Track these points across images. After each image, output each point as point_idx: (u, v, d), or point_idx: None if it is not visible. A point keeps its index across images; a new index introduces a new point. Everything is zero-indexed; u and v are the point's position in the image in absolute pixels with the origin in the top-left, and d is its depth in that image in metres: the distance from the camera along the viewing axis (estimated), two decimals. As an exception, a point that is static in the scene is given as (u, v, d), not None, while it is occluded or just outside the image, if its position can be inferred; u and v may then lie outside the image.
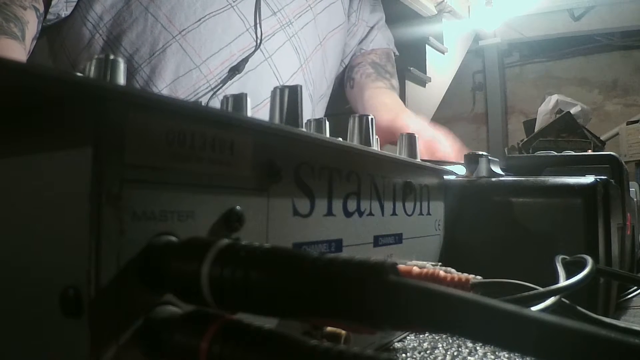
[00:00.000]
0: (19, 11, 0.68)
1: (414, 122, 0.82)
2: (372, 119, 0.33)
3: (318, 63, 0.90)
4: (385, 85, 0.97)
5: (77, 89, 0.15)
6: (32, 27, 0.70)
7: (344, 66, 1.02)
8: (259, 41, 0.78)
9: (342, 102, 1.07)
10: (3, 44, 0.64)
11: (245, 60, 0.76)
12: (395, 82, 1.01)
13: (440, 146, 0.77)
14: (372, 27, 1.03)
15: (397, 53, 1.08)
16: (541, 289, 0.27)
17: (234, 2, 0.78)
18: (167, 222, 0.17)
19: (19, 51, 0.66)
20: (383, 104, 0.90)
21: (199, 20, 0.75)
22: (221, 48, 0.75)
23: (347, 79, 1.01)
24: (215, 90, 0.75)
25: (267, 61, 0.79)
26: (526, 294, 0.26)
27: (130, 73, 0.73)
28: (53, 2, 0.74)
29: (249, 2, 0.79)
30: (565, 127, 1.92)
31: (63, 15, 0.76)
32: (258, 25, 0.78)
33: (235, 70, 0.75)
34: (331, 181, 0.26)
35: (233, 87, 0.76)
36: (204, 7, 0.75)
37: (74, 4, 0.76)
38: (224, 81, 0.75)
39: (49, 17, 0.75)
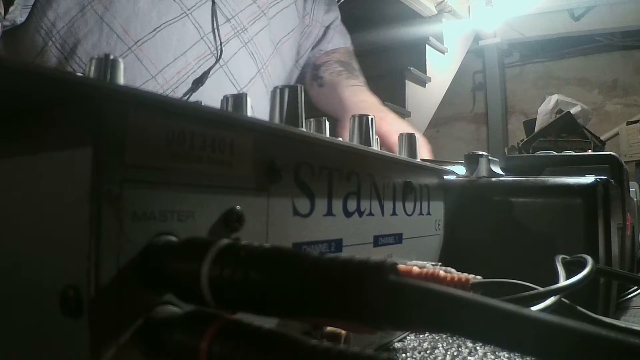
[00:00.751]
0: None
1: (399, 124, 0.83)
2: (372, 119, 0.33)
3: (278, 67, 0.91)
4: (359, 83, 0.97)
5: (77, 89, 0.15)
6: None
7: (300, 68, 1.02)
8: (219, 50, 0.78)
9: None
10: None
11: (207, 73, 0.76)
12: (362, 78, 1.02)
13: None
14: (327, 27, 1.04)
15: (351, 49, 1.08)
16: (541, 289, 0.27)
17: (188, 10, 0.77)
18: (167, 222, 0.17)
19: None
20: (363, 101, 0.90)
21: (154, 30, 0.74)
22: (176, 57, 0.75)
23: (314, 78, 1.00)
24: None
25: (223, 68, 0.79)
26: (526, 293, 0.26)
27: None
28: (10, 9, 0.72)
29: (203, 10, 0.79)
30: (565, 127, 1.92)
31: (18, 22, 0.75)
32: (216, 33, 0.78)
33: (198, 82, 0.75)
34: (331, 181, 0.26)
35: (191, 97, 0.76)
36: (159, 16, 0.75)
37: (29, 9, 0.75)
38: (186, 93, 0.75)
39: (5, 23, 0.73)
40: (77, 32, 0.73)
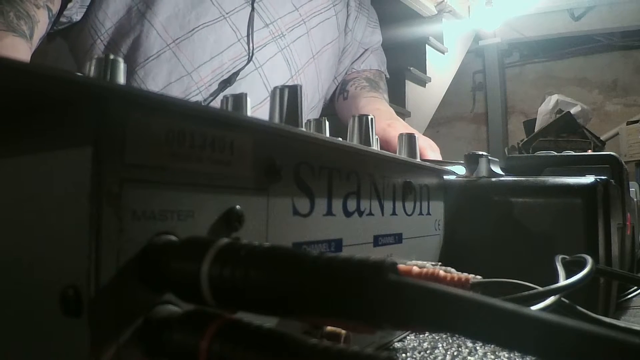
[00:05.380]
0: (32, 9, 0.70)
1: (405, 131, 0.84)
2: (372, 118, 0.33)
3: (311, 76, 0.92)
4: (379, 96, 1.00)
5: (78, 88, 0.15)
6: (41, 27, 0.71)
7: (337, 84, 1.05)
8: (251, 54, 0.80)
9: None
10: (10, 41, 0.65)
11: (236, 74, 0.78)
12: (386, 96, 1.04)
13: (427, 155, 0.79)
14: (366, 50, 1.06)
15: (387, 76, 1.10)
16: (541, 289, 0.27)
17: (227, 13, 0.80)
18: (166, 222, 0.17)
19: (24, 50, 0.67)
20: (377, 110, 0.92)
21: (192, 30, 0.78)
22: (213, 57, 0.78)
23: (340, 92, 1.03)
24: (207, 103, 0.77)
25: (258, 71, 0.82)
26: (526, 293, 0.26)
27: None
28: (69, 6, 0.76)
29: (242, 14, 0.81)
30: (565, 127, 1.92)
31: (74, 20, 0.79)
32: (250, 38, 0.80)
33: (226, 82, 0.78)
34: (331, 181, 0.26)
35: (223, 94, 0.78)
36: (198, 17, 0.78)
37: (85, 9, 0.79)
38: (215, 93, 0.78)
39: (62, 19, 0.77)
40: (121, 30, 0.77)
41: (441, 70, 1.42)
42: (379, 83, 1.04)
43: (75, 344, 0.15)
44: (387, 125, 0.85)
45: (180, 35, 0.77)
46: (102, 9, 0.77)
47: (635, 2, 2.06)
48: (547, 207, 0.39)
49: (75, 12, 0.78)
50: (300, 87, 0.27)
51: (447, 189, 0.41)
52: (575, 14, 2.21)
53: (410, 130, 0.86)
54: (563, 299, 0.29)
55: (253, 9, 0.81)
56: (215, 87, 0.78)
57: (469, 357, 0.28)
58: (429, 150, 0.79)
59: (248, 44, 0.80)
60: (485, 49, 2.64)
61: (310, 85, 0.92)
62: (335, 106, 1.04)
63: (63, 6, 0.75)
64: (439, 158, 0.79)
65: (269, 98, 0.86)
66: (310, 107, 0.95)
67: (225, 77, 0.78)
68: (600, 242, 0.37)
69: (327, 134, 0.30)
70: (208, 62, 0.78)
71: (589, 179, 0.39)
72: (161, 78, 0.76)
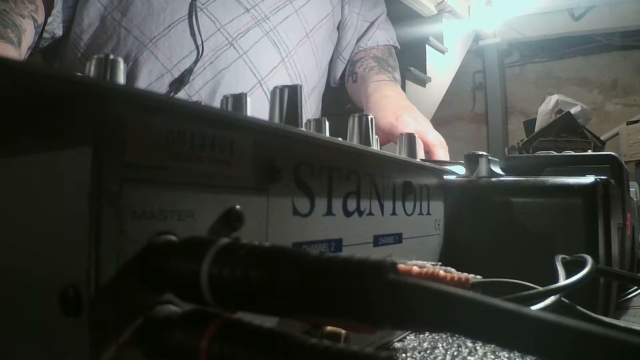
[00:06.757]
0: (17, 19, 0.70)
1: (414, 126, 0.81)
2: (371, 118, 0.33)
3: (307, 55, 0.90)
4: (388, 78, 0.96)
5: (77, 88, 0.15)
6: (28, 36, 0.72)
7: (345, 62, 1.02)
8: (200, 50, 0.77)
9: (341, 102, 1.07)
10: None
11: (189, 71, 0.76)
12: (397, 75, 1.01)
13: (436, 154, 0.77)
14: (371, 23, 1.03)
15: (398, 47, 1.08)
16: (541, 289, 0.27)
17: (203, 5, 0.79)
18: (166, 222, 0.17)
19: (14, 56, 0.67)
20: (385, 97, 0.88)
21: (168, 27, 0.76)
22: (192, 50, 0.77)
23: (350, 74, 1.01)
24: (178, 88, 0.75)
25: (242, 58, 0.79)
26: (526, 293, 0.26)
27: None
28: (49, 20, 0.76)
29: (218, 4, 0.80)
30: (565, 127, 1.92)
31: (57, 35, 0.79)
32: (196, 32, 0.77)
33: (179, 83, 0.75)
34: (331, 181, 0.26)
35: (207, 87, 0.77)
36: (173, 13, 0.77)
37: (66, 24, 0.79)
38: (167, 94, 0.76)
39: (45, 35, 0.77)
40: (98, 41, 0.77)
41: (441, 70, 1.42)
42: (388, 60, 1.01)
43: (75, 344, 0.15)
44: (394, 119, 0.81)
45: (156, 34, 0.76)
46: (79, 23, 0.77)
47: (635, 2, 2.06)
48: (547, 207, 0.39)
49: (56, 27, 0.78)
50: (300, 86, 0.27)
51: (447, 189, 0.41)
52: (575, 14, 2.21)
53: (420, 121, 0.82)
54: (563, 299, 0.29)
55: (194, 7, 0.78)
56: (199, 80, 0.76)
57: (469, 357, 0.28)
58: (438, 148, 0.77)
59: (195, 41, 0.77)
60: (485, 49, 2.64)
61: (307, 65, 0.90)
62: (346, 88, 1.02)
63: (47, 15, 0.75)
64: (447, 157, 0.77)
65: (258, 84, 0.83)
66: (311, 88, 0.92)
67: (215, 65, 0.76)
68: (600, 242, 0.37)
69: (327, 134, 0.30)
70: (188, 57, 0.76)
71: (589, 179, 0.39)
72: (141, 80, 0.75)
